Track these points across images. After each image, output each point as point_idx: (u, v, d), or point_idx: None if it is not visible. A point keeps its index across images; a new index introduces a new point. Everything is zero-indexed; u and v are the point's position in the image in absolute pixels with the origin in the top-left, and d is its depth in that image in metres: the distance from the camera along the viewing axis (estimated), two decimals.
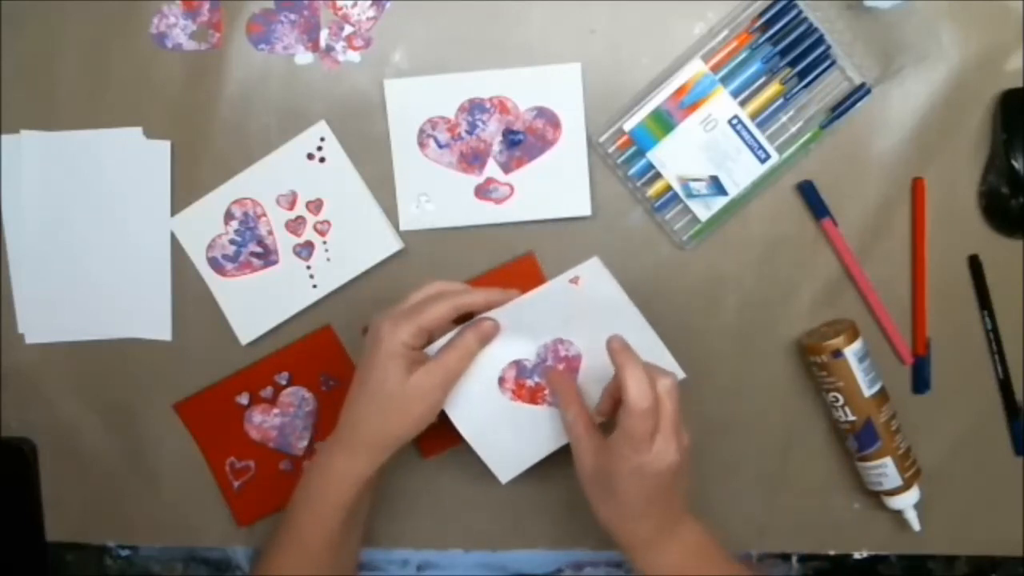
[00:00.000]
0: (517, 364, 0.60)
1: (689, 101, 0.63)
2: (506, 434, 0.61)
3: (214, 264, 0.67)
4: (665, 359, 0.60)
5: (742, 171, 0.63)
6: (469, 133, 0.65)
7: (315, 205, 0.66)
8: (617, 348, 0.54)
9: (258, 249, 0.66)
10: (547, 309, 0.59)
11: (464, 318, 0.59)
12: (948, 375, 0.66)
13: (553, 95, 0.64)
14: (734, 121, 0.63)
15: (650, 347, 0.60)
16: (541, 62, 0.64)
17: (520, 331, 0.59)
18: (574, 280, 0.59)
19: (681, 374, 0.59)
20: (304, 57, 0.65)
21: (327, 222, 0.66)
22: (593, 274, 0.60)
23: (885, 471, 0.63)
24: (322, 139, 0.65)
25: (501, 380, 0.60)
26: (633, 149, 0.64)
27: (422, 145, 0.65)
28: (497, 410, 0.60)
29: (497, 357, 0.60)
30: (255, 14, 0.65)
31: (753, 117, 0.63)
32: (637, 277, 0.66)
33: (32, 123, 0.66)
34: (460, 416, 0.60)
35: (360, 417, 0.57)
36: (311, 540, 0.58)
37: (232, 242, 0.66)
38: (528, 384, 0.60)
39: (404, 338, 0.55)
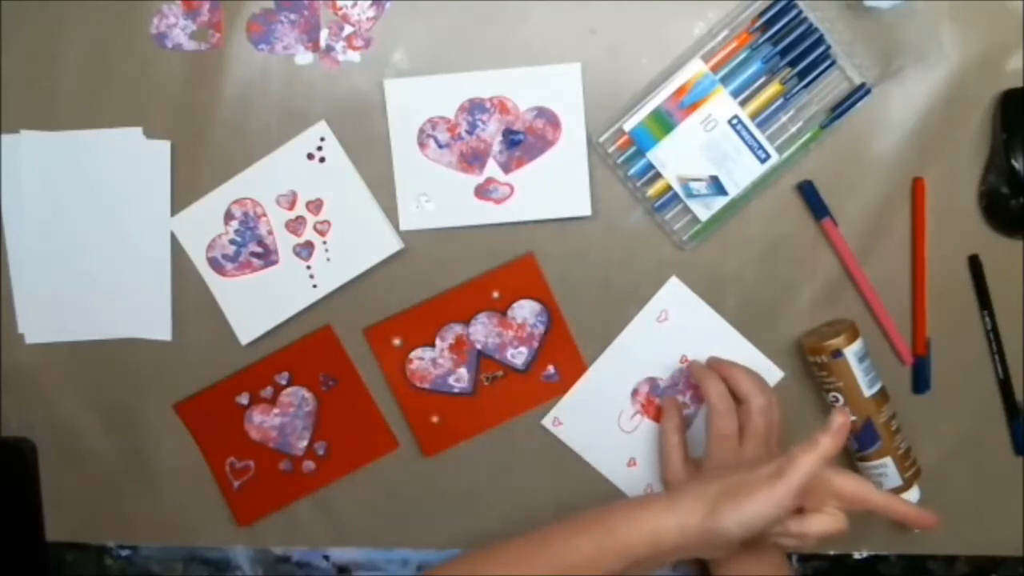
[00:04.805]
0: (651, 381, 0.67)
1: (689, 101, 0.63)
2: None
3: (214, 264, 0.67)
4: (757, 359, 0.65)
5: (742, 171, 0.63)
6: (469, 133, 0.65)
7: (315, 205, 0.66)
8: (696, 370, 0.63)
9: (258, 249, 0.66)
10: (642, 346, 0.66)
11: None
12: (948, 375, 0.66)
13: (553, 95, 0.64)
14: (734, 121, 0.63)
15: (741, 351, 0.65)
16: (541, 62, 0.64)
17: (659, 351, 0.66)
18: (662, 318, 0.63)
19: (779, 372, 0.66)
20: (304, 57, 0.65)
21: (327, 222, 0.66)
22: (676, 298, 0.65)
23: (885, 471, 0.63)
24: (322, 139, 0.65)
25: (635, 392, 0.66)
26: (633, 149, 0.64)
27: (422, 145, 0.65)
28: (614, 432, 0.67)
29: (633, 371, 0.66)
30: (255, 14, 0.65)
31: (753, 117, 0.63)
32: (637, 277, 0.66)
33: (32, 123, 0.66)
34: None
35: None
36: (573, 563, 0.54)
37: (232, 242, 0.66)
38: (657, 402, 0.67)
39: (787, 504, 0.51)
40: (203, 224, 0.66)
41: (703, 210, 0.64)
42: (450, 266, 0.66)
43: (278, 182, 0.66)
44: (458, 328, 0.67)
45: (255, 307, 0.67)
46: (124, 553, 0.71)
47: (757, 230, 0.65)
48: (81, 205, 0.67)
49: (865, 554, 0.68)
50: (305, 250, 0.66)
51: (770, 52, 0.62)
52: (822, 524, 0.53)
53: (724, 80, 0.63)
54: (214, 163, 0.66)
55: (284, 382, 0.68)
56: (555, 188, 0.65)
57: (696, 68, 0.63)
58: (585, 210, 0.65)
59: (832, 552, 0.68)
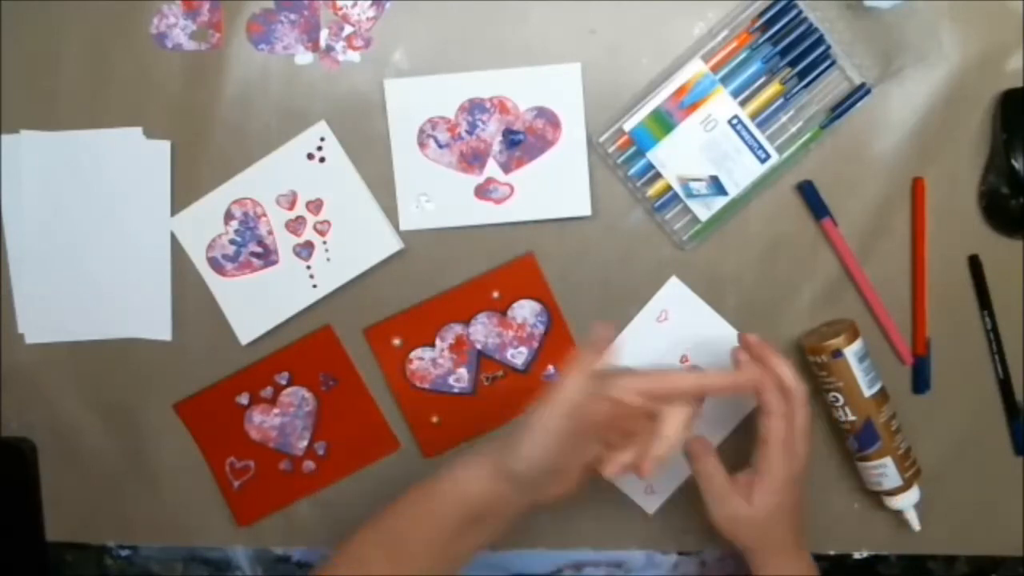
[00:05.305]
0: None
1: (689, 101, 0.63)
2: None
3: (214, 264, 0.67)
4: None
5: (742, 171, 0.63)
6: (469, 133, 0.65)
7: (315, 205, 0.66)
8: (756, 343, 0.57)
9: (258, 249, 0.66)
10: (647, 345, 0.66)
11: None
12: (948, 375, 0.66)
13: (553, 95, 0.64)
14: (734, 121, 0.63)
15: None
16: (541, 62, 0.64)
17: (659, 351, 0.66)
18: (662, 317, 0.63)
19: None
20: (304, 57, 0.65)
21: (327, 222, 0.66)
22: (676, 298, 0.65)
23: (885, 471, 0.63)
24: (322, 139, 0.65)
25: None
26: (633, 149, 0.64)
27: (422, 145, 0.65)
28: None
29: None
30: (255, 14, 0.65)
31: (753, 117, 0.63)
32: (637, 277, 0.66)
33: (32, 123, 0.66)
34: None
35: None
36: (401, 533, 0.55)
37: (232, 242, 0.66)
38: None
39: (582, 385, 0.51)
40: (203, 224, 0.66)
41: (703, 210, 0.64)
42: (450, 266, 0.66)
43: (278, 182, 0.66)
44: (458, 328, 0.67)
45: (255, 307, 0.67)
46: (124, 553, 0.71)
47: (757, 230, 0.65)
48: (81, 205, 0.67)
49: (865, 554, 0.68)
50: (305, 250, 0.66)
51: (770, 52, 0.62)
52: (671, 423, 0.52)
53: (724, 80, 0.63)
54: (214, 163, 0.66)
55: (284, 382, 0.68)
56: (555, 188, 0.65)
57: (696, 68, 0.63)
58: (585, 210, 0.65)
59: (832, 552, 0.68)
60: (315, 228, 0.66)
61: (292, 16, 0.65)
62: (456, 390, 0.67)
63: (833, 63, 0.63)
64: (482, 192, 0.65)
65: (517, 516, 0.54)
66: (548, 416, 0.51)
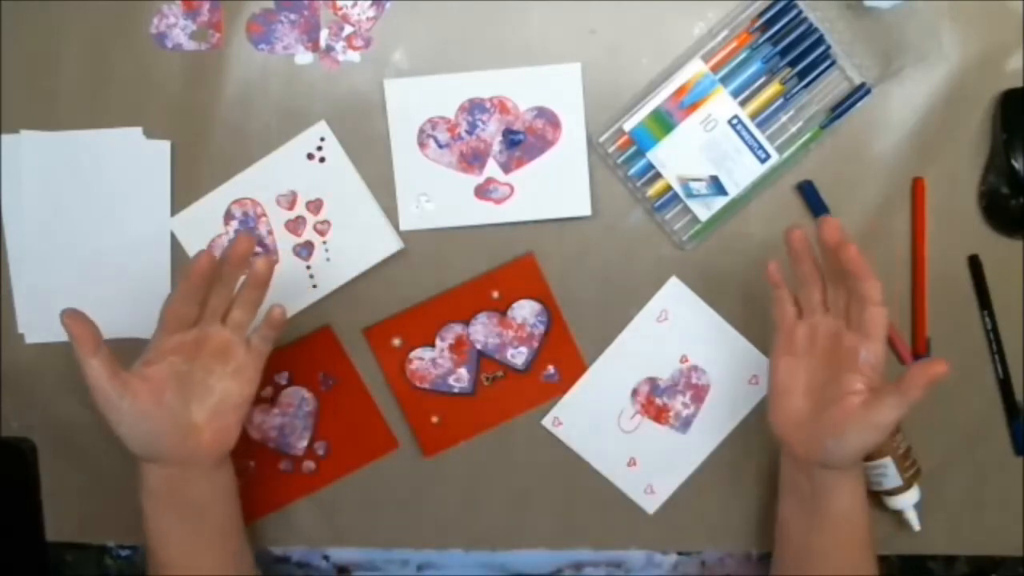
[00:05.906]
0: (651, 381, 0.66)
1: (689, 101, 0.63)
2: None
3: None
4: (757, 359, 0.65)
5: (742, 171, 0.63)
6: (469, 133, 0.65)
7: (315, 205, 0.66)
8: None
9: (258, 249, 0.66)
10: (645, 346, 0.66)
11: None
12: (948, 375, 0.66)
13: (553, 95, 0.64)
14: (734, 121, 0.63)
15: (741, 351, 0.65)
16: (541, 62, 0.64)
17: (659, 351, 0.66)
18: (662, 317, 0.63)
19: None
20: (304, 57, 0.65)
21: (327, 222, 0.66)
22: (676, 298, 0.65)
23: (885, 471, 0.63)
24: (322, 139, 0.65)
25: (635, 392, 0.66)
26: (633, 149, 0.64)
27: (422, 145, 0.65)
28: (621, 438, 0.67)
29: (633, 371, 0.66)
30: (255, 14, 0.65)
31: (753, 117, 0.63)
32: (637, 277, 0.66)
33: (32, 123, 0.66)
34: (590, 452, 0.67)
35: None
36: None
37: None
38: (657, 402, 0.66)
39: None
40: (203, 224, 0.66)
41: (703, 210, 0.64)
42: (450, 266, 0.66)
43: (278, 182, 0.66)
44: (458, 328, 0.67)
45: None
46: (124, 553, 0.71)
47: (757, 230, 0.65)
48: (81, 205, 0.67)
49: None
50: (305, 250, 0.66)
51: (770, 52, 0.62)
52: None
53: (724, 80, 0.63)
54: (214, 163, 0.66)
55: (284, 382, 0.68)
56: (555, 188, 0.65)
57: (696, 68, 0.63)
58: (585, 210, 0.65)
59: None
60: (315, 228, 0.66)
61: (292, 16, 0.65)
62: (456, 390, 0.67)
63: (833, 63, 0.63)
64: (482, 192, 0.65)
65: (215, 482, 0.58)
66: (98, 403, 0.55)
